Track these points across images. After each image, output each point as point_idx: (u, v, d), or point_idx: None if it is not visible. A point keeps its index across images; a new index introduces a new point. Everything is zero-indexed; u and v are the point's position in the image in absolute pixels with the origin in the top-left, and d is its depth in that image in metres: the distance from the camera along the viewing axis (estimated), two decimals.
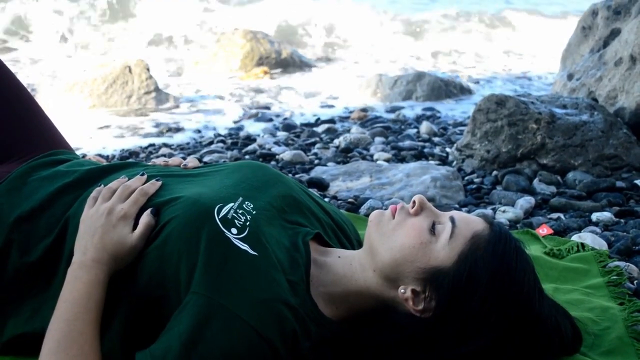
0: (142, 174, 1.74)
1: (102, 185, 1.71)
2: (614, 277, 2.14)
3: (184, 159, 1.97)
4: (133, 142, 5.11)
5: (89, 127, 5.59)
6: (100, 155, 4.33)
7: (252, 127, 5.41)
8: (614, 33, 4.34)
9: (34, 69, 7.71)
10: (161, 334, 1.43)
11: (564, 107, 3.82)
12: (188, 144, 4.93)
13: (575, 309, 1.82)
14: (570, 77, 4.70)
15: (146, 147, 4.82)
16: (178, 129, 5.45)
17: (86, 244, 1.57)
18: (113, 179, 1.75)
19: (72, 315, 1.47)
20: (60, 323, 1.46)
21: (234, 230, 1.53)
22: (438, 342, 1.52)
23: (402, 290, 1.53)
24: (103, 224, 1.58)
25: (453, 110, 6.18)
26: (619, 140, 3.62)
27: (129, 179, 1.72)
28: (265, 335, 1.42)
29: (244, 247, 1.50)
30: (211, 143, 4.76)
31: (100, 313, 1.50)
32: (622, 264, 2.27)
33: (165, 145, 4.85)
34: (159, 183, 1.71)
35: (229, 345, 1.39)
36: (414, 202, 1.59)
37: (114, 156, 4.53)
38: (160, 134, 5.34)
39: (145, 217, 1.58)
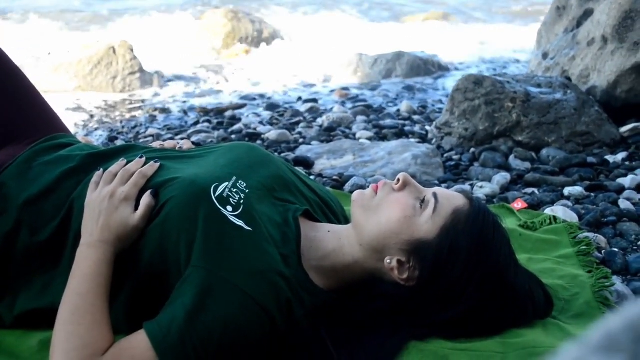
0: (141, 157, 1.82)
1: (102, 170, 1.80)
2: (584, 247, 2.25)
3: (172, 139, 2.05)
4: (120, 123, 5.16)
5: (75, 108, 5.63)
6: (87, 136, 4.42)
7: (236, 107, 5.49)
8: (587, 13, 4.45)
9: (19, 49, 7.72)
10: (165, 306, 1.52)
11: (539, 86, 3.95)
12: (174, 124, 4.98)
13: (548, 277, 1.94)
14: (545, 56, 4.82)
15: (133, 127, 4.88)
16: (164, 109, 5.50)
17: (92, 226, 1.66)
18: (113, 162, 1.83)
19: (84, 289, 1.55)
20: (73, 296, 1.55)
21: (229, 208, 1.62)
22: (421, 309, 1.63)
23: (388, 261, 1.63)
24: (106, 207, 1.67)
25: (433, 87, 6.28)
26: (590, 117, 3.75)
27: (128, 163, 1.81)
28: (263, 304, 1.51)
29: (239, 223, 1.59)
30: (197, 123, 4.84)
31: (109, 288, 1.59)
32: (591, 235, 2.39)
33: (152, 125, 4.92)
34: (157, 165, 1.79)
35: (229, 313, 1.48)
36: (399, 179, 1.68)
37: (101, 136, 4.60)
38: (146, 114, 5.39)
39: (146, 198, 1.67)
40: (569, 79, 4.27)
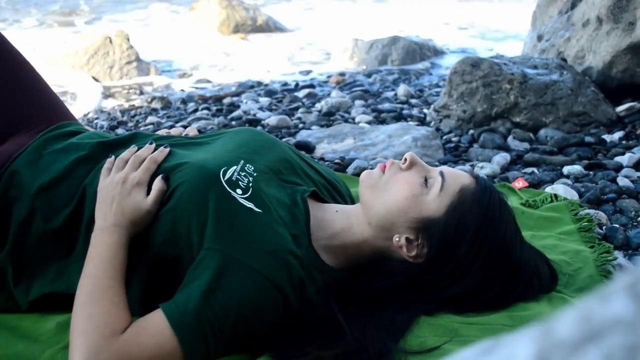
0: (151, 143, 1.85)
1: (114, 157, 1.82)
2: (585, 224, 2.29)
3: (173, 127, 2.08)
4: (119, 112, 5.18)
5: (74, 98, 5.64)
6: (89, 126, 4.44)
7: (234, 94, 5.51)
8: None
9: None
10: (180, 287, 1.54)
11: (535, 67, 3.98)
12: (173, 112, 5.01)
13: (551, 253, 1.97)
14: (539, 38, 4.85)
15: (133, 116, 4.90)
16: (162, 98, 5.51)
17: (105, 211, 1.68)
18: (123, 150, 1.85)
19: (101, 272, 1.57)
20: (91, 279, 1.57)
21: (238, 191, 1.64)
22: (429, 285, 1.67)
23: (397, 239, 1.66)
24: (119, 192, 1.69)
25: (428, 72, 6.31)
26: (587, 98, 3.78)
27: (138, 149, 1.84)
28: (276, 282, 1.54)
29: (249, 205, 1.62)
30: (196, 110, 4.86)
31: (124, 271, 1.61)
32: (592, 211, 2.43)
33: (151, 114, 4.94)
34: (167, 150, 1.81)
35: (243, 292, 1.51)
36: (406, 158, 1.71)
37: (102, 127, 4.61)
38: (145, 103, 5.40)
39: (158, 183, 1.69)
40: (564, 60, 4.30)
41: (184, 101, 5.36)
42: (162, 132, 2.09)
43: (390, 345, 1.57)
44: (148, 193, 1.70)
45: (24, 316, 1.80)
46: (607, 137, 3.54)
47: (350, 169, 3.08)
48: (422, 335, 1.61)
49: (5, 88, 2.17)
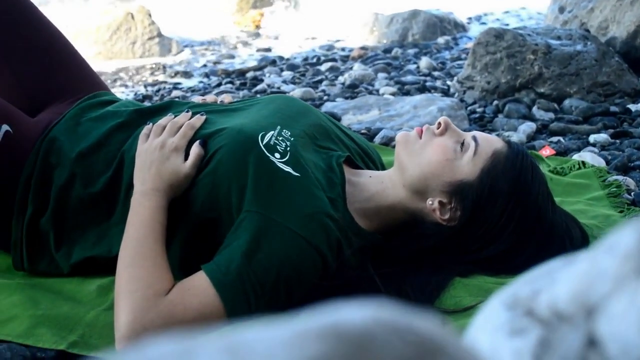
0: (187, 111, 1.87)
1: (151, 124, 1.85)
2: (614, 189, 2.31)
3: (204, 94, 2.10)
4: (144, 87, 5.22)
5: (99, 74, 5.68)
6: None
7: (257, 68, 5.54)
8: None
9: None
10: (220, 249, 1.57)
11: (559, 38, 3.98)
12: (197, 86, 5.04)
13: (581, 217, 1.97)
14: (561, 9, 4.84)
15: (157, 91, 4.94)
16: (185, 73, 5.54)
17: (144, 175, 1.71)
18: (160, 117, 1.88)
19: (142, 235, 1.61)
20: (132, 242, 1.61)
21: (277, 155, 1.66)
22: (463, 247, 1.70)
23: (430, 202, 1.69)
24: (158, 157, 1.72)
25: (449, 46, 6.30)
26: (611, 68, 3.78)
27: (175, 117, 1.87)
28: (314, 243, 1.57)
29: (287, 169, 1.64)
30: (220, 85, 4.89)
31: (164, 234, 1.64)
32: (620, 177, 2.45)
33: (175, 88, 4.98)
34: (204, 117, 1.84)
35: (283, 253, 1.54)
36: (439, 123, 1.73)
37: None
38: (169, 78, 5.44)
39: (195, 148, 1.72)
40: (587, 31, 4.29)
41: (207, 75, 5.38)
42: (197, 99, 2.12)
43: (426, 304, 1.60)
44: (186, 159, 1.73)
45: (66, 280, 1.84)
46: (632, 107, 3.54)
47: (377, 139, 3.10)
48: (458, 295, 1.64)
49: (42, 58, 2.21)
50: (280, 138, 1.74)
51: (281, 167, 1.65)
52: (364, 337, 0.26)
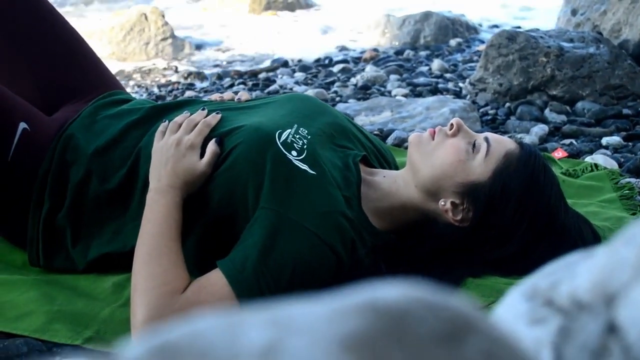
0: (203, 109, 1.88)
1: (167, 121, 1.87)
2: (626, 192, 2.32)
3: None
4: (157, 88, 5.25)
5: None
6: None
7: (269, 70, 5.55)
8: None
9: None
10: (236, 246, 1.59)
11: (571, 40, 3.98)
12: (210, 87, 5.06)
13: (593, 219, 1.97)
14: (574, 12, 4.83)
15: (170, 91, 4.96)
16: (198, 73, 5.56)
17: (160, 172, 1.73)
18: (175, 115, 1.90)
19: (157, 232, 1.63)
20: (148, 239, 1.63)
21: (294, 153, 1.68)
22: (474, 249, 1.71)
23: (443, 203, 1.70)
24: (173, 154, 1.73)
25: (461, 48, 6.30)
26: (624, 70, 3.77)
27: (191, 114, 1.88)
28: (329, 242, 1.59)
29: (304, 167, 1.67)
30: (232, 85, 4.90)
31: (180, 230, 1.66)
32: (633, 180, 2.45)
33: (189, 88, 5.00)
34: (219, 115, 1.85)
35: (298, 251, 1.56)
36: (452, 124, 1.74)
37: None
38: (181, 78, 5.46)
39: (211, 146, 1.74)
40: (600, 33, 4.29)
41: (220, 76, 5.40)
42: (214, 96, 2.13)
43: None
44: (202, 156, 1.74)
45: (81, 277, 1.87)
46: None
47: (389, 140, 3.11)
48: (470, 296, 1.65)
49: (59, 57, 2.23)
50: (297, 136, 1.75)
51: (298, 165, 1.67)
52: (400, 313, 0.28)
